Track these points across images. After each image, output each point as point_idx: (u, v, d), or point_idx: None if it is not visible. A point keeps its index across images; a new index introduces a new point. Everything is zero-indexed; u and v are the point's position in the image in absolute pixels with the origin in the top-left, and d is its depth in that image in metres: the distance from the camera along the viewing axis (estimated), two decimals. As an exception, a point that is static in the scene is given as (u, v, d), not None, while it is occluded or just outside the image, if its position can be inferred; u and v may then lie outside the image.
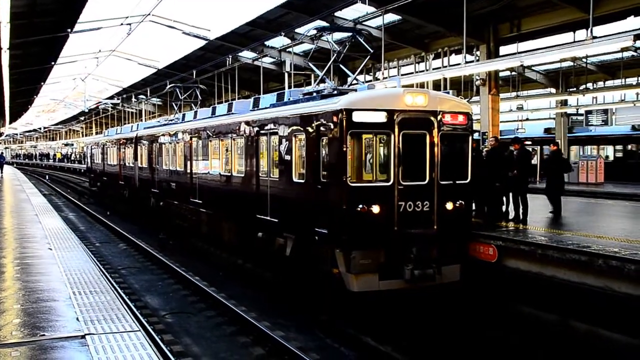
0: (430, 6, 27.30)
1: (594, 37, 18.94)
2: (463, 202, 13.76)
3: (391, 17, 29.79)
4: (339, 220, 12.87)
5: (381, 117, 12.94)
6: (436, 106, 13.51)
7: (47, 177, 76.80)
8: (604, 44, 19.95)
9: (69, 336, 8.05)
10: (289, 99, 16.69)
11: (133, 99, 67.71)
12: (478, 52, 30.91)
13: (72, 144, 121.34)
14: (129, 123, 65.47)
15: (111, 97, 75.16)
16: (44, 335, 8.05)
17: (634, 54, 32.95)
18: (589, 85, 39.86)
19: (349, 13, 30.84)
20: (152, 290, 17.44)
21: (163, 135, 26.97)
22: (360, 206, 12.68)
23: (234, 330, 13.41)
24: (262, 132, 16.68)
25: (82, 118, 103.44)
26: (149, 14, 35.81)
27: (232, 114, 19.94)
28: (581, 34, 27.15)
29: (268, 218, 16.11)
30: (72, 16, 26.05)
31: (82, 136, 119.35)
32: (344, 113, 12.72)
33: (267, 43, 38.61)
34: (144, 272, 19.82)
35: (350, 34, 17.38)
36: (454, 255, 13.62)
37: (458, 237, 13.83)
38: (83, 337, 8.03)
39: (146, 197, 29.58)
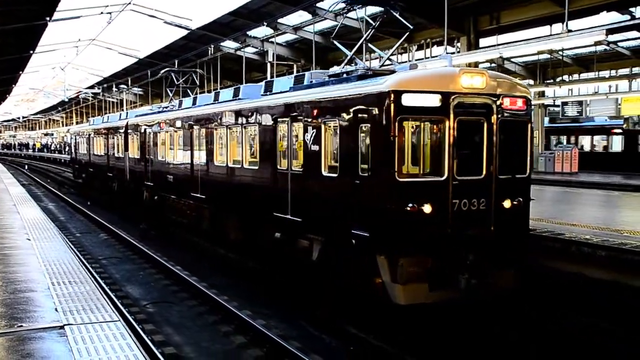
0: None
1: (569, 31, 19.56)
2: (521, 199, 12.06)
3: (374, 9, 29.73)
4: (384, 221, 11.12)
5: (435, 101, 11.17)
6: (495, 89, 11.79)
7: (26, 167, 76.01)
8: (578, 37, 20.66)
9: (47, 327, 7.95)
10: (310, 81, 14.66)
11: (114, 89, 67.16)
12: (459, 44, 31.10)
13: (52, 134, 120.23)
14: (109, 113, 64.97)
15: (92, 87, 74.69)
16: (21, 326, 7.94)
17: (607, 47, 33.55)
18: (565, 77, 40.67)
19: (331, 3, 30.77)
20: (133, 280, 17.30)
21: (158, 123, 24.82)
22: (410, 205, 10.93)
23: (215, 320, 13.33)
24: (280, 119, 14.78)
25: (62, 108, 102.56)
26: (130, 3, 35.53)
27: (240, 99, 17.90)
28: (557, 27, 27.54)
29: (288, 217, 14.20)
30: (51, 4, 25.72)
31: (62, 126, 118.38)
32: (392, 95, 10.92)
33: (249, 33, 38.47)
34: (125, 262, 19.66)
35: (382, 8, 15.28)
36: (509, 260, 11.92)
37: (516, 239, 12.10)
38: (62, 327, 7.93)
39: (138, 191, 27.60)
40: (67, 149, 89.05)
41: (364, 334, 11.90)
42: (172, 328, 12.99)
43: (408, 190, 11.09)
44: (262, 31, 37.90)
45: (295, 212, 13.97)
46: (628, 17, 26.60)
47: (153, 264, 18.82)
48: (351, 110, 11.92)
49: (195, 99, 22.64)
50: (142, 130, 26.76)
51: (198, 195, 20.11)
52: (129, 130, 29.07)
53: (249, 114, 16.63)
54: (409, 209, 10.92)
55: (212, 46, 40.48)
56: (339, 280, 12.69)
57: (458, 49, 31.14)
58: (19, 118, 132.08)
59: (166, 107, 26.62)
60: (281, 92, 15.42)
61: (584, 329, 11.88)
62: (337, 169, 12.45)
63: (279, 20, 34.48)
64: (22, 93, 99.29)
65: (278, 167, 14.84)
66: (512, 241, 11.95)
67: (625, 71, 39.64)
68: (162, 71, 30.48)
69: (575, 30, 22.18)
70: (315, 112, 13.17)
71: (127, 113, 33.58)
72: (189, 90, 28.18)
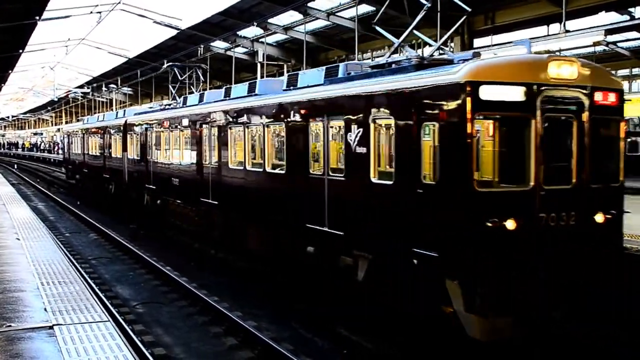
0: None
1: (567, 31, 19.36)
2: (615, 212, 10.26)
3: (365, 8, 29.82)
4: (458, 239, 9.38)
5: (518, 94, 9.45)
6: (587, 80, 9.99)
7: (15, 167, 75.63)
8: (576, 37, 20.36)
9: (36, 327, 7.93)
10: (347, 73, 13.03)
11: (103, 88, 66.93)
12: (452, 44, 31.10)
13: (42, 133, 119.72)
14: (99, 112, 64.70)
15: (81, 86, 74.39)
16: (10, 326, 7.91)
17: (606, 48, 33.48)
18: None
19: (322, 3, 30.84)
20: (122, 280, 17.23)
21: (162, 121, 23.08)
22: (492, 220, 9.18)
23: (205, 321, 13.28)
24: (313, 117, 13.07)
25: (51, 107, 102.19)
26: (119, 2, 35.40)
27: (257, 95, 16.23)
28: (555, 27, 27.50)
29: (325, 229, 12.43)
30: (41, 3, 25.56)
31: (52, 125, 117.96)
32: (469, 88, 9.18)
33: (239, 33, 38.43)
34: (115, 263, 19.57)
35: None
36: (600, 282, 10.15)
37: (608, 259, 10.27)
38: (51, 327, 7.91)
39: (138, 194, 26.01)
40: (56, 148, 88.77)
41: (356, 336, 11.83)
42: (162, 329, 12.93)
43: (488, 202, 9.33)
44: (252, 31, 37.86)
45: (335, 224, 12.25)
46: (627, 17, 26.63)
47: (143, 265, 18.74)
48: (411, 105, 10.14)
49: (202, 96, 20.93)
50: (143, 130, 25.19)
51: (209, 200, 18.39)
52: (128, 130, 27.51)
53: (272, 112, 14.92)
54: (489, 225, 9.18)
55: (202, 46, 40.39)
56: (394, 305, 11.13)
57: (452, 49, 31.16)
58: (8, 117, 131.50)
59: (169, 105, 25.10)
60: (309, 87, 13.80)
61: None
62: (391, 176, 10.75)
63: (269, 20, 34.44)
64: (12, 92, 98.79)
65: (310, 171, 13.11)
66: (607, 262, 10.15)
67: (625, 72, 39.52)
68: (165, 66, 29.39)
69: (573, 31, 22.10)
70: (361, 108, 11.42)
71: (124, 111, 31.98)
72: (192, 87, 27.00)
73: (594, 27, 24.68)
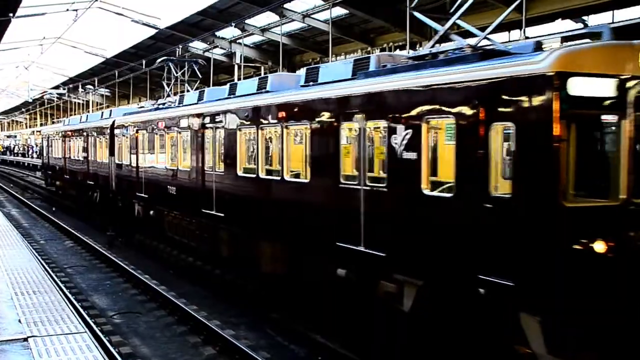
0: (376, 1, 27.89)
1: (527, 38, 19.90)
2: None
3: (339, 11, 30.41)
4: (540, 265, 7.97)
5: (610, 89, 8.09)
6: None
7: (-13, 171, 75.14)
8: None
9: (10, 339, 8.00)
10: (382, 66, 11.53)
11: (80, 89, 66.69)
12: (421, 48, 31.68)
13: (15, 136, 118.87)
14: (75, 114, 64.45)
15: (57, 87, 74.01)
16: (-16, 338, 7.97)
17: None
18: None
19: (298, 5, 31.40)
20: (99, 289, 17.29)
21: (156, 122, 21.10)
22: (581, 242, 7.85)
23: (184, 330, 13.41)
24: (345, 116, 11.42)
25: (25, 109, 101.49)
26: (97, 0, 35.38)
27: (269, 92, 14.79)
28: (516, 34, 28.05)
29: (362, 249, 10.84)
30: (14, 0, 25.53)
31: (27, 128, 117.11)
32: (557, 80, 7.80)
33: (217, 34, 38.63)
34: (92, 271, 19.62)
35: None
36: None
37: None
38: (26, 339, 7.99)
39: (128, 203, 24.18)
40: (30, 151, 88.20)
41: (332, 343, 11.96)
42: (139, 339, 13.05)
43: (577, 219, 7.93)
44: (230, 32, 38.10)
45: (373, 244, 10.68)
46: (581, 25, 27.37)
47: (120, 273, 18.80)
48: (478, 101, 8.81)
49: (202, 94, 19.07)
50: (134, 132, 23.20)
51: (213, 212, 16.53)
52: (116, 132, 25.57)
53: (291, 111, 13.29)
54: (578, 247, 7.84)
55: (181, 47, 40.48)
56: (450, 341, 9.66)
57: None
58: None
59: (162, 104, 23.16)
60: (335, 82, 12.31)
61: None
62: (450, 187, 9.45)
63: (247, 21, 34.77)
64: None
65: (342, 181, 11.48)
66: None
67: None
68: (159, 61, 27.75)
69: (532, 37, 22.78)
70: (410, 105, 9.92)
71: (110, 111, 30.10)
72: (187, 84, 25.41)
73: (552, 34, 25.29)
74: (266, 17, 34.08)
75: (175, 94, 24.61)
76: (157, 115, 21.39)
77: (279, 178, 13.67)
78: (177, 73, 25.11)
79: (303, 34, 35.74)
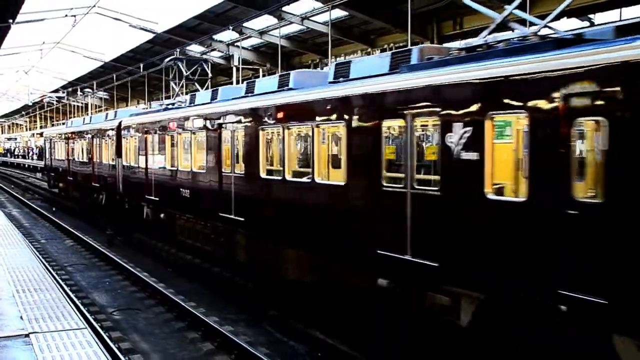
0: (376, 3, 27.63)
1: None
2: None
3: (338, 13, 30.18)
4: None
5: None
6: None
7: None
8: None
9: (12, 335, 7.92)
10: (427, 58, 10.40)
11: (79, 93, 66.47)
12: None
13: (16, 138, 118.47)
14: (74, 117, 64.20)
15: (56, 91, 73.79)
16: (-14, 334, 7.88)
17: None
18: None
19: (296, 8, 31.11)
20: (99, 287, 17.17)
21: (167, 123, 20.01)
22: None
23: (182, 326, 13.30)
24: (389, 113, 10.28)
25: (25, 112, 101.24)
26: (95, 6, 35.20)
27: (292, 89, 13.74)
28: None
29: (408, 258, 9.77)
30: (14, 6, 25.40)
31: (26, 130, 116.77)
32: None
33: (215, 37, 38.49)
34: (91, 269, 19.48)
35: None
36: None
37: None
38: (27, 335, 7.91)
39: (136, 206, 23.26)
40: (30, 153, 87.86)
41: (331, 339, 11.87)
42: (139, 335, 12.94)
43: None
44: (227, 35, 37.93)
45: (423, 253, 9.56)
46: (587, 23, 27.15)
47: (120, 271, 18.68)
48: (558, 94, 7.67)
49: (215, 93, 18.08)
50: (143, 132, 22.18)
51: (231, 216, 15.49)
52: (123, 133, 24.56)
53: (323, 109, 12.10)
54: None
55: (178, 50, 40.34)
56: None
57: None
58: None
59: (172, 104, 22.02)
60: (371, 77, 11.15)
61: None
62: (521, 191, 8.42)
63: (245, 25, 34.56)
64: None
65: (384, 183, 10.33)
66: None
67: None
68: (167, 60, 26.84)
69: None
70: (470, 100, 8.83)
71: (115, 113, 28.90)
72: (196, 84, 24.25)
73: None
74: (265, 20, 33.85)
75: (178, 95, 23.97)
76: (168, 116, 20.20)
77: (308, 181, 12.52)
78: (186, 72, 23.97)
79: (302, 36, 35.53)
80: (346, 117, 11.31)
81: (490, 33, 10.02)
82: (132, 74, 50.31)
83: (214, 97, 17.85)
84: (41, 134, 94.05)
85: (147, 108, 30.46)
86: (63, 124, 70.26)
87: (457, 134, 8.94)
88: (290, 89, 13.79)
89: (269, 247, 14.16)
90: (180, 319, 13.76)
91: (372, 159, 10.61)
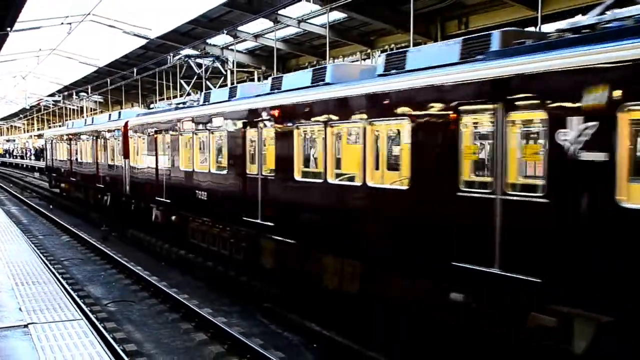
0: (376, 3, 26.66)
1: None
2: None
3: (336, 15, 29.27)
4: None
5: None
6: None
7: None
8: None
9: (11, 326, 7.84)
10: (513, 44, 8.68)
11: (74, 96, 66.03)
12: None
13: (14, 140, 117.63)
14: (70, 119, 63.71)
15: (52, 95, 73.37)
16: (-15, 325, 7.79)
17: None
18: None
19: (293, 11, 30.26)
20: (94, 280, 17.03)
21: (180, 122, 18.40)
22: None
23: (176, 317, 13.18)
24: (470, 106, 8.62)
25: (23, 115, 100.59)
26: (89, 14, 35.00)
27: (329, 84, 12.06)
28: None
29: (496, 271, 8.18)
30: (13, 15, 25.18)
31: (24, 132, 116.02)
32: None
33: (209, 41, 38.09)
34: (87, 263, 19.32)
35: None
36: None
37: None
38: (26, 326, 7.84)
39: (144, 208, 21.98)
40: (28, 154, 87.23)
41: (327, 330, 11.72)
42: (133, 326, 12.83)
43: None
44: (221, 39, 37.55)
45: (518, 266, 7.92)
46: None
47: (114, 265, 18.54)
48: None
49: (233, 90, 16.33)
50: (152, 132, 20.69)
51: (257, 221, 13.88)
52: (130, 133, 23.14)
53: (379, 105, 10.36)
54: None
55: (172, 54, 40.10)
56: None
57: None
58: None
59: (182, 104, 20.40)
60: (432, 68, 9.53)
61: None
62: None
63: (239, 28, 34.04)
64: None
65: (461, 188, 8.72)
66: None
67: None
68: (177, 58, 25.49)
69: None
70: (592, 89, 6.98)
71: (119, 113, 27.44)
72: (208, 82, 22.43)
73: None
74: (260, 23, 33.09)
75: (189, 93, 22.98)
76: (182, 115, 18.44)
77: (359, 184, 10.85)
78: (198, 70, 22.38)
79: (298, 38, 34.60)
80: (411, 112, 9.60)
81: (603, 11, 8.07)
82: (125, 79, 50.01)
83: (232, 95, 16.22)
84: (39, 136, 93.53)
85: (154, 108, 29.38)
86: (59, 126, 69.74)
87: (574, 131, 7.23)
88: (328, 83, 12.12)
89: (304, 254, 12.54)
90: (173, 310, 13.64)
91: (446, 161, 8.92)
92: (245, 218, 14.26)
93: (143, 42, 41.07)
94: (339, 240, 11.39)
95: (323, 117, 11.65)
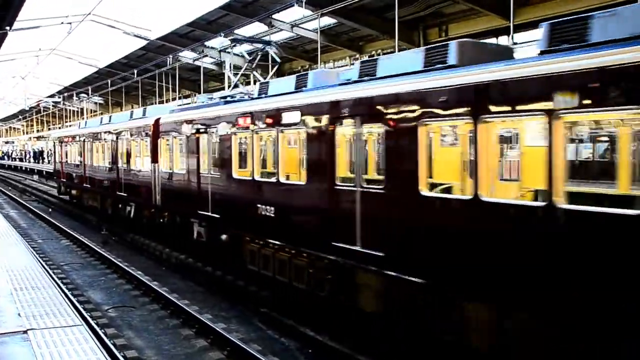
0: (364, 10, 27.72)
1: (515, 43, 20.00)
2: None
3: (327, 21, 30.20)
4: None
5: None
6: None
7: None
8: (523, 49, 21.15)
9: (10, 332, 7.87)
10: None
11: (74, 98, 66.16)
12: None
13: (13, 142, 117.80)
14: (70, 121, 63.85)
15: (52, 96, 73.50)
16: (-16, 331, 7.82)
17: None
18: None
19: (286, 15, 31.08)
20: (94, 285, 17.06)
21: (234, 118, 14.91)
22: None
23: (176, 323, 13.22)
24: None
25: (22, 116, 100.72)
26: (89, 13, 35.10)
27: (454, 66, 9.21)
28: (503, 39, 28.08)
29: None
30: (12, 14, 25.25)
31: (23, 134, 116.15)
32: None
33: (207, 43, 38.44)
34: (87, 268, 19.35)
35: None
36: None
37: None
38: (25, 332, 7.86)
39: (181, 222, 18.83)
40: (27, 156, 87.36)
41: (321, 336, 11.81)
42: (133, 332, 12.86)
43: None
44: (219, 41, 37.88)
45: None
46: None
47: (114, 270, 18.57)
48: None
49: (302, 78, 13.35)
50: (194, 132, 17.21)
51: (355, 248, 10.61)
52: (161, 133, 20.10)
53: (498, 97, 8.09)
54: None
55: (171, 56, 40.25)
56: None
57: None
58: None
59: (230, 97, 17.55)
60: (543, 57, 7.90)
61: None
62: None
63: (236, 32, 34.50)
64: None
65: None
66: None
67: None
68: (220, 47, 23.48)
69: (520, 43, 22.81)
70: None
71: (144, 110, 24.01)
72: (255, 73, 20.24)
73: (538, 39, 25.26)
74: (256, 27, 33.82)
75: (207, 90, 21.57)
76: (236, 109, 15.06)
77: (498, 203, 8.19)
78: (249, 57, 19.89)
79: (291, 42, 35.52)
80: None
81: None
82: (125, 80, 50.13)
83: (300, 85, 13.25)
84: (38, 138, 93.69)
85: (184, 104, 28.07)
86: (59, 127, 69.70)
87: None
88: (450, 66, 9.28)
89: (432, 301, 9.32)
90: (174, 316, 13.68)
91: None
92: (335, 243, 11.17)
93: (143, 43, 41.22)
94: (489, 279, 8.28)
95: (442, 112, 8.93)
